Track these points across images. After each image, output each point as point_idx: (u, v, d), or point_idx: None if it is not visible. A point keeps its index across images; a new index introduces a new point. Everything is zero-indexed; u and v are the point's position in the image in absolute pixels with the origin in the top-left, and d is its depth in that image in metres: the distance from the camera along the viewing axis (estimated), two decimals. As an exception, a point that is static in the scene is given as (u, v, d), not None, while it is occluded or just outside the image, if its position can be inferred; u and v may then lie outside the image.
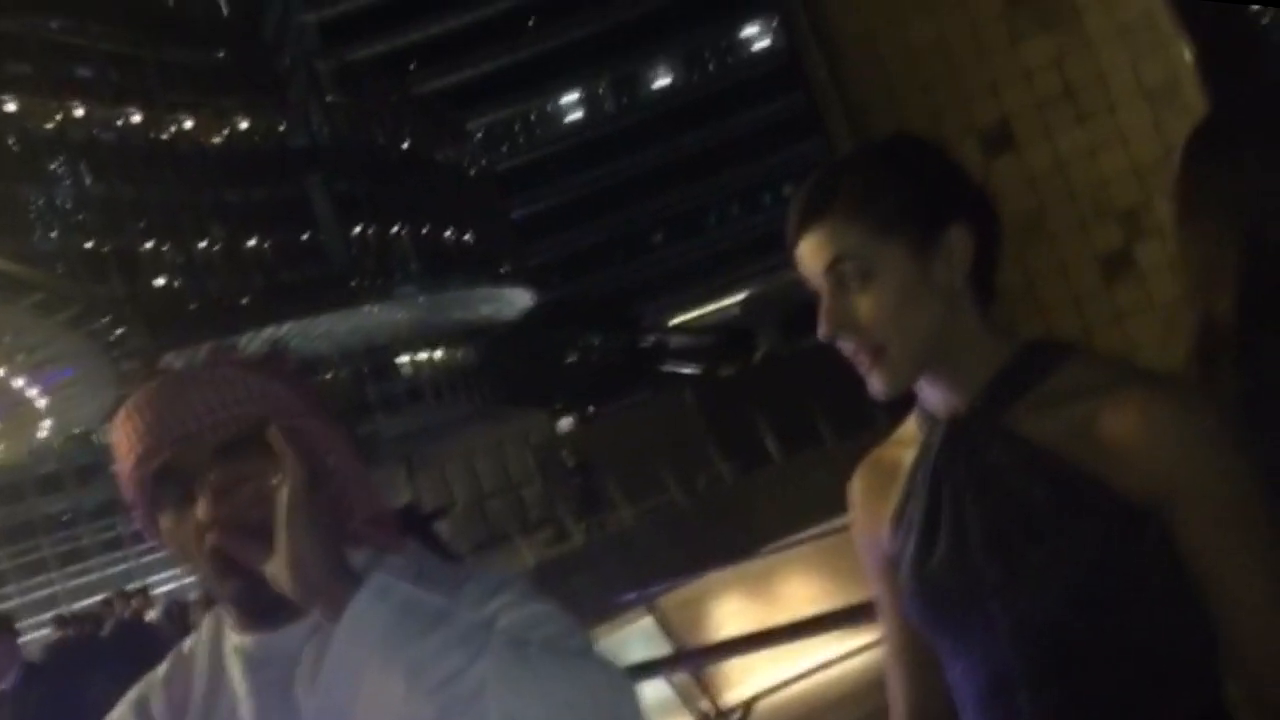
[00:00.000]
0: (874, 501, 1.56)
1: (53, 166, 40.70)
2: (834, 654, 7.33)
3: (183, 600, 15.82)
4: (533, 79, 65.47)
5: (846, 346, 1.44)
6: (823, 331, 1.43)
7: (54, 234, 39.89)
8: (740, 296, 54.22)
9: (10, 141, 39.00)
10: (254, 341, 37.57)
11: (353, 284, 48.75)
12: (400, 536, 1.38)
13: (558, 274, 64.94)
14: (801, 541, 9.77)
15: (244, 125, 48.49)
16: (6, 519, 35.65)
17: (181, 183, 44.35)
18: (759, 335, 41.49)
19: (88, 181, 41.77)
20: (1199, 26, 3.13)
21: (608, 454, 22.24)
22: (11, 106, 39.02)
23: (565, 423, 36.67)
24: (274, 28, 54.14)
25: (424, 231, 55.42)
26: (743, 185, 65.10)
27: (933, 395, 1.48)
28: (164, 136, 44.52)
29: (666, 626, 8.19)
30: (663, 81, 68.38)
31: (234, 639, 1.36)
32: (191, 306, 42.00)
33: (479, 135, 65.79)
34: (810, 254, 1.44)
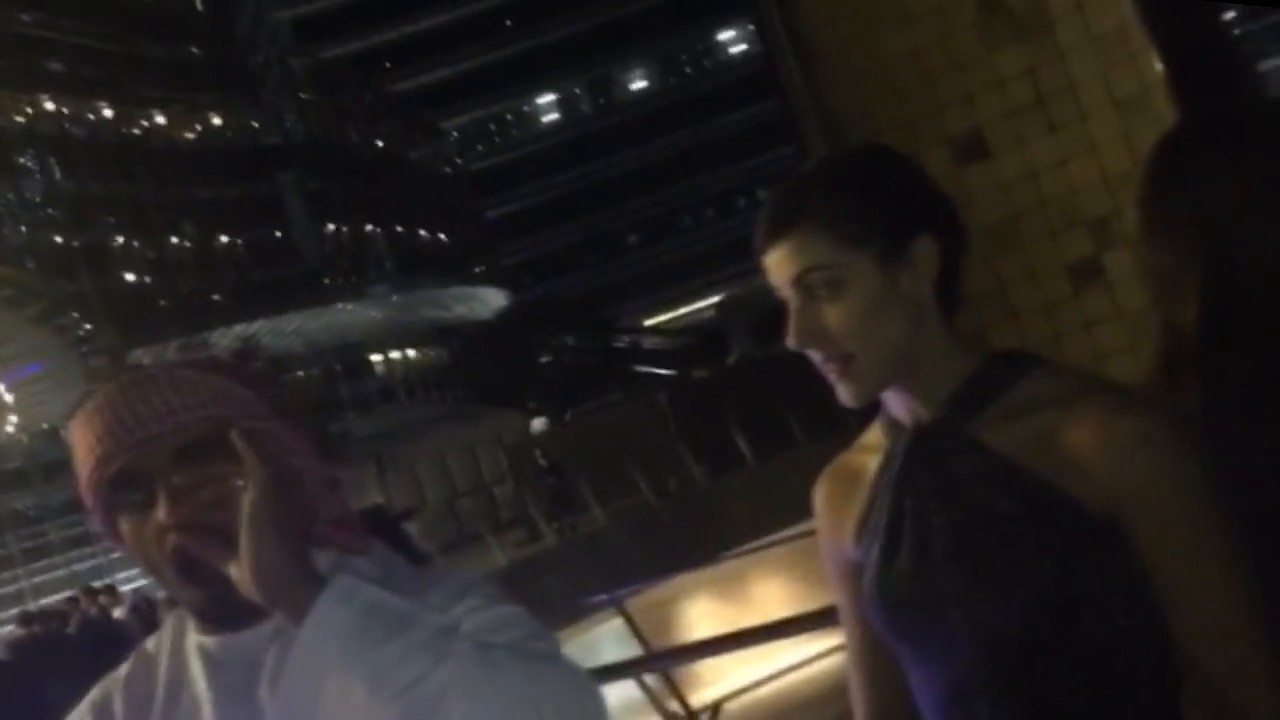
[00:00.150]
0: (838, 508, 1.57)
1: (22, 160, 40.31)
2: (804, 656, 7.37)
3: (150, 597, 15.63)
4: (508, 79, 65.38)
5: (815, 356, 1.45)
6: (792, 341, 1.45)
7: (23, 229, 39.47)
8: (715, 299, 54.29)
9: (-21, 135, 38.66)
10: (225, 339, 37.37)
11: (326, 282, 48.50)
12: (366, 538, 1.37)
13: (532, 274, 64.88)
14: (773, 544, 9.80)
15: (217, 122, 48.17)
16: (-28, 515, 35.27)
17: (153, 179, 43.97)
18: (733, 338, 41.55)
19: (58, 176, 41.36)
20: (1171, 38, 3.16)
21: (580, 455, 22.23)
22: (-19, 99, 38.67)
23: (538, 423, 36.58)
24: (248, 24, 53.81)
25: (398, 230, 55.18)
26: (718, 189, 65.20)
27: (898, 403, 1.49)
28: (136, 132, 44.13)
29: (636, 627, 8.20)
30: (639, 84, 68.42)
31: (196, 639, 1.35)
32: (162, 303, 41.70)
33: (454, 135, 65.60)
34: (779, 265, 1.45)
